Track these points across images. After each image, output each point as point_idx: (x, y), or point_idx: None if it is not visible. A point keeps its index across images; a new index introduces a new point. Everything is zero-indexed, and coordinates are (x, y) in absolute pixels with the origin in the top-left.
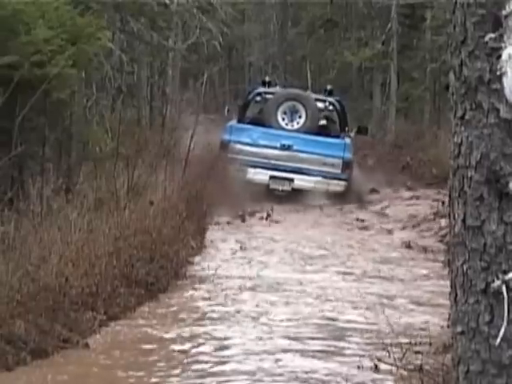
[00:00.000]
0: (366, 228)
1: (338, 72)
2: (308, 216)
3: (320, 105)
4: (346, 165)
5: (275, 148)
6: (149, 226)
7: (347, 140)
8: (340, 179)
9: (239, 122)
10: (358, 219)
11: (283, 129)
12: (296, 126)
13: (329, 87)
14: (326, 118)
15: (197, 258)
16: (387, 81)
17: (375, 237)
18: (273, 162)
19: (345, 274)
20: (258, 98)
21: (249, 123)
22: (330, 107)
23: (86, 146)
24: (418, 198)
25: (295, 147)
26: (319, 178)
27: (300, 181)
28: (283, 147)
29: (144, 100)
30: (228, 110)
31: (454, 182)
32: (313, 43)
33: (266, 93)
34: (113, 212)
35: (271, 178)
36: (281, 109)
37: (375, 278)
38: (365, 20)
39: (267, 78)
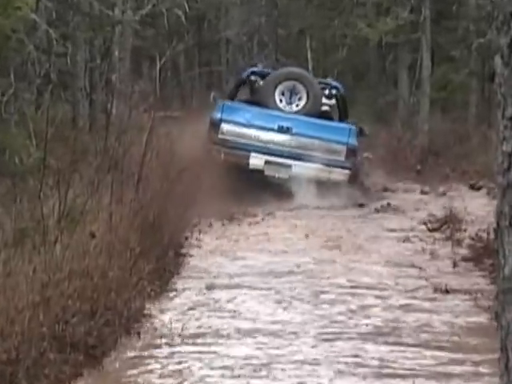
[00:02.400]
0: None
1: (350, 51)
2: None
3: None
4: (351, 152)
5: (272, 130)
6: (89, 266)
7: (352, 125)
8: (343, 167)
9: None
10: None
11: (282, 111)
12: (295, 109)
13: (330, 79)
14: (328, 105)
15: (155, 308)
16: (417, 62)
17: None
18: (269, 145)
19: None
20: (253, 78)
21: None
22: (333, 91)
23: (0, 155)
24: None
25: (294, 130)
26: (320, 166)
27: (299, 167)
28: (281, 129)
29: (81, 92)
30: (214, 98)
31: (503, 207)
32: (314, 11)
33: (261, 72)
34: (39, 248)
35: (266, 162)
36: (279, 88)
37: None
38: None
39: (257, 64)
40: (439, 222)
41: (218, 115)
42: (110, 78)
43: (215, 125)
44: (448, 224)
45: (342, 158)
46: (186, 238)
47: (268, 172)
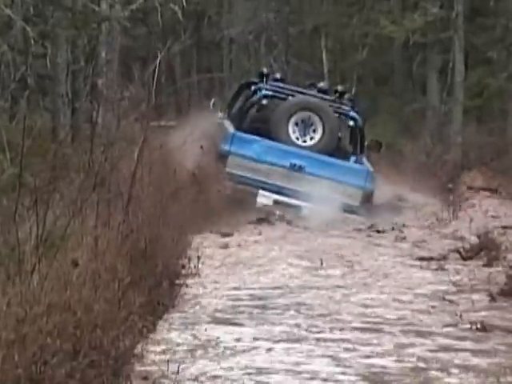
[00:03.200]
0: None
1: (372, 52)
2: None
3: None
4: (367, 196)
5: (283, 167)
6: (71, 299)
7: (370, 167)
8: (358, 214)
9: (238, 129)
10: None
11: (294, 144)
12: (309, 142)
13: (340, 88)
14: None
15: (148, 349)
16: (449, 65)
17: None
18: (279, 183)
19: None
20: (265, 102)
21: (251, 133)
22: (350, 123)
23: None
24: None
25: (308, 169)
26: (333, 210)
27: (310, 210)
28: (293, 167)
29: (62, 99)
30: (214, 104)
31: None
32: (330, 7)
33: (273, 96)
34: (13, 278)
35: (275, 202)
36: (293, 119)
37: None
38: None
39: (266, 70)
40: (474, 248)
41: (227, 147)
42: (96, 82)
43: (223, 156)
44: (484, 251)
45: (357, 203)
46: (183, 266)
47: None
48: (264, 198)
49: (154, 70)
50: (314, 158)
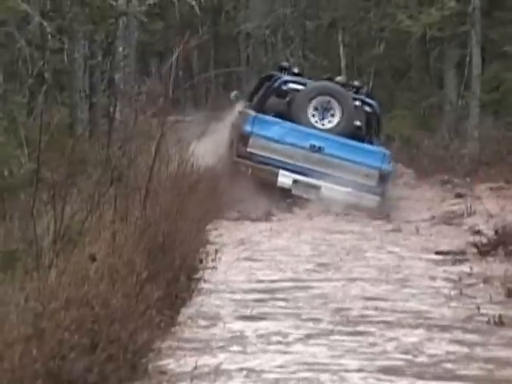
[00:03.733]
0: None
1: (389, 46)
2: None
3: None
4: (383, 178)
5: (303, 148)
6: (89, 294)
7: (387, 150)
8: (374, 193)
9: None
10: None
11: (313, 127)
12: (327, 126)
13: (356, 83)
14: (360, 120)
15: (166, 343)
16: (466, 59)
17: None
18: (299, 163)
19: None
20: (284, 87)
21: (272, 114)
22: (367, 109)
23: None
24: None
25: (327, 150)
26: (350, 190)
27: (328, 190)
28: (313, 148)
29: (80, 94)
30: (236, 97)
31: None
32: (347, 1)
33: (294, 82)
34: (31, 273)
35: (295, 182)
36: (313, 103)
37: None
38: None
39: (285, 64)
40: (491, 242)
41: (249, 128)
42: (113, 77)
43: (244, 137)
44: (502, 245)
45: (374, 184)
46: (201, 261)
47: (295, 192)
48: (285, 178)
49: (171, 65)
50: (332, 139)
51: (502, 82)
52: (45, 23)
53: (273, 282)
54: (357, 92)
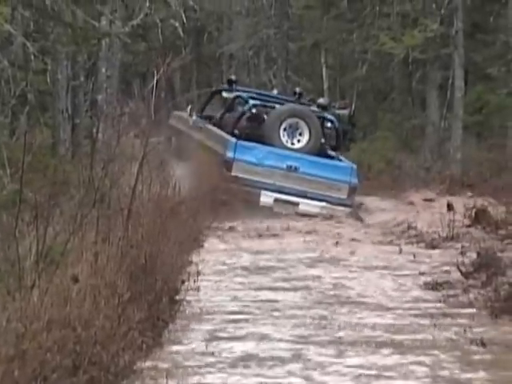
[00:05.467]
0: None
1: (372, 68)
2: None
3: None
4: (352, 190)
5: (281, 169)
6: (71, 315)
7: (353, 164)
8: (345, 205)
9: (233, 137)
10: None
11: (285, 147)
12: (297, 145)
13: (298, 89)
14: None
15: (147, 363)
16: (449, 81)
17: None
18: (277, 183)
19: None
20: (254, 111)
21: (245, 139)
22: (329, 124)
23: None
24: None
25: (302, 169)
26: (324, 204)
27: (305, 205)
28: (289, 169)
29: (62, 115)
30: (190, 110)
31: None
32: (330, 23)
33: (262, 106)
34: (14, 294)
35: (275, 200)
36: (283, 125)
37: None
38: None
39: (233, 77)
40: (474, 264)
41: (231, 154)
42: (96, 98)
43: (228, 163)
44: (484, 267)
45: (344, 196)
46: (183, 282)
47: (277, 209)
48: (266, 197)
49: (154, 86)
50: (306, 159)
51: (484, 104)
52: (28, 44)
53: (254, 301)
54: (299, 96)
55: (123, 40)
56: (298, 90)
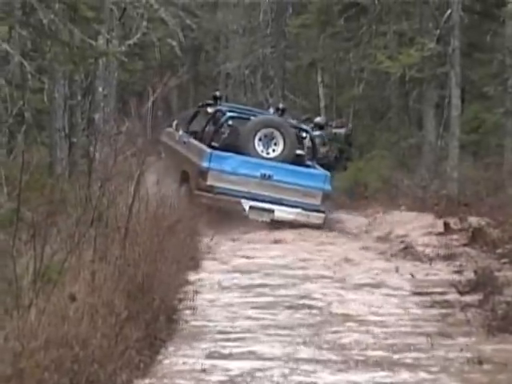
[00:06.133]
0: None
1: (368, 86)
2: None
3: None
4: (326, 196)
5: (255, 177)
6: (68, 334)
7: (327, 172)
8: (319, 211)
9: (211, 148)
10: None
11: (260, 156)
12: (272, 154)
13: (281, 105)
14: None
15: (145, 383)
16: (445, 100)
17: None
18: (252, 191)
19: None
20: (231, 122)
21: (222, 149)
22: (303, 134)
23: None
24: None
25: (275, 177)
26: (299, 210)
27: (280, 212)
28: (263, 177)
29: (60, 134)
30: (177, 125)
31: None
32: (327, 42)
33: (238, 117)
34: (11, 312)
35: (251, 208)
36: (258, 135)
37: None
38: (409, 4)
39: (218, 93)
40: (471, 283)
41: (206, 163)
42: (93, 117)
43: (203, 172)
44: (482, 286)
45: (318, 203)
46: (180, 301)
47: (252, 216)
48: (246, 205)
49: (151, 105)
50: (279, 167)
51: (481, 123)
52: (25, 63)
53: (251, 319)
54: (282, 112)
55: (120, 59)
56: (281, 105)
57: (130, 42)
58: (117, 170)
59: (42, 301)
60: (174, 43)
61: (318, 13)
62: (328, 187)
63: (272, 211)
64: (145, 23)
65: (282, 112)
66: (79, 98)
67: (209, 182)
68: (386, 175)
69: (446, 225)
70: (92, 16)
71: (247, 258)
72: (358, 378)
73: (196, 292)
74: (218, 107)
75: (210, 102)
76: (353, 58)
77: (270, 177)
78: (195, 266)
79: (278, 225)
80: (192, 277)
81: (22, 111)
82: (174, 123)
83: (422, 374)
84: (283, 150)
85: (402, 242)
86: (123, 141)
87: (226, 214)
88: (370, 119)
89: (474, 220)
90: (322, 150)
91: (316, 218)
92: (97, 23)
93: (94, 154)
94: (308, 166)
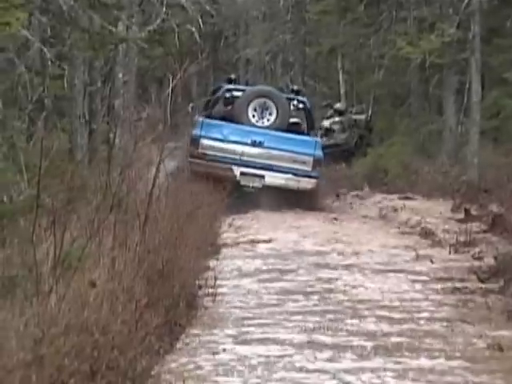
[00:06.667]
0: None
1: (388, 72)
2: None
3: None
4: (317, 162)
5: (246, 144)
6: (88, 320)
7: (317, 138)
8: (310, 177)
9: (207, 117)
10: None
11: (254, 125)
12: (266, 123)
13: (296, 87)
14: (295, 117)
15: (164, 368)
16: (465, 86)
17: None
18: (243, 158)
19: None
20: (227, 95)
21: (218, 119)
22: (300, 105)
23: None
24: None
25: (266, 144)
26: (290, 176)
27: (271, 178)
28: (254, 143)
29: (80, 120)
30: (192, 108)
31: None
32: (347, 28)
33: (236, 89)
34: (31, 299)
35: (242, 174)
36: (251, 105)
37: None
38: None
39: (233, 76)
40: (491, 269)
41: (198, 132)
42: (113, 103)
43: (195, 140)
44: (502, 272)
45: (309, 168)
46: (200, 287)
47: (243, 182)
48: (237, 172)
49: (171, 91)
50: (270, 134)
51: (501, 109)
52: (45, 49)
53: (271, 305)
54: (297, 94)
55: (140, 45)
56: (295, 87)
57: (150, 28)
58: (137, 156)
59: (62, 287)
60: (194, 29)
61: None
62: (319, 153)
63: (262, 177)
64: (164, 9)
65: (296, 93)
66: (99, 84)
67: (200, 150)
68: (406, 161)
69: (467, 211)
70: (112, 2)
71: (268, 242)
72: (378, 364)
73: (216, 278)
74: (221, 84)
75: (224, 84)
76: (373, 44)
77: (260, 143)
78: (215, 252)
79: (299, 210)
80: (212, 263)
81: (41, 98)
82: (190, 106)
83: (442, 361)
84: (276, 118)
85: (422, 228)
86: (143, 127)
87: (247, 200)
88: (390, 105)
89: (494, 206)
90: (343, 135)
91: (306, 183)
92: (116, 9)
93: (113, 141)
94: (304, 134)
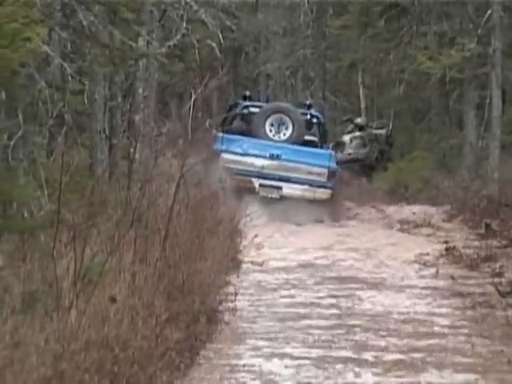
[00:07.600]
0: None
1: (409, 87)
2: None
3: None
4: (332, 174)
5: (264, 157)
6: (108, 335)
7: (332, 151)
8: (326, 187)
9: (226, 133)
10: None
11: (271, 140)
12: (283, 138)
13: (308, 101)
14: (312, 134)
15: None
16: (486, 101)
17: None
18: (262, 170)
19: None
20: (245, 111)
21: (237, 134)
22: (314, 120)
23: (7, 208)
24: None
25: (283, 157)
26: (306, 187)
27: (288, 189)
28: (272, 157)
29: (100, 135)
30: (209, 124)
31: None
32: (367, 43)
33: (253, 106)
34: (51, 314)
35: (261, 185)
36: (268, 121)
37: None
38: (450, 5)
39: (247, 93)
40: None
41: (218, 146)
42: (133, 118)
43: (216, 155)
44: None
45: (325, 179)
46: (220, 302)
47: (262, 193)
48: (256, 184)
49: (191, 106)
50: (287, 147)
51: None
52: (65, 65)
53: (291, 320)
54: (308, 108)
55: (160, 60)
56: (307, 102)
57: (170, 43)
58: (157, 171)
59: (83, 302)
60: (214, 44)
61: (359, 14)
62: (333, 165)
63: (280, 188)
64: (184, 25)
65: (308, 107)
66: (119, 99)
67: (221, 164)
68: (426, 176)
69: (487, 226)
70: (132, 18)
71: (288, 258)
72: (398, 379)
73: (236, 293)
74: (237, 101)
75: (240, 101)
76: (393, 58)
77: (278, 156)
78: (236, 267)
79: (322, 225)
80: (232, 278)
81: (62, 113)
82: (207, 122)
83: (462, 376)
84: (292, 133)
85: (443, 242)
86: (163, 142)
87: (269, 216)
88: (411, 120)
89: None
90: (363, 150)
91: (322, 193)
92: (137, 25)
93: (134, 156)
94: (318, 147)
